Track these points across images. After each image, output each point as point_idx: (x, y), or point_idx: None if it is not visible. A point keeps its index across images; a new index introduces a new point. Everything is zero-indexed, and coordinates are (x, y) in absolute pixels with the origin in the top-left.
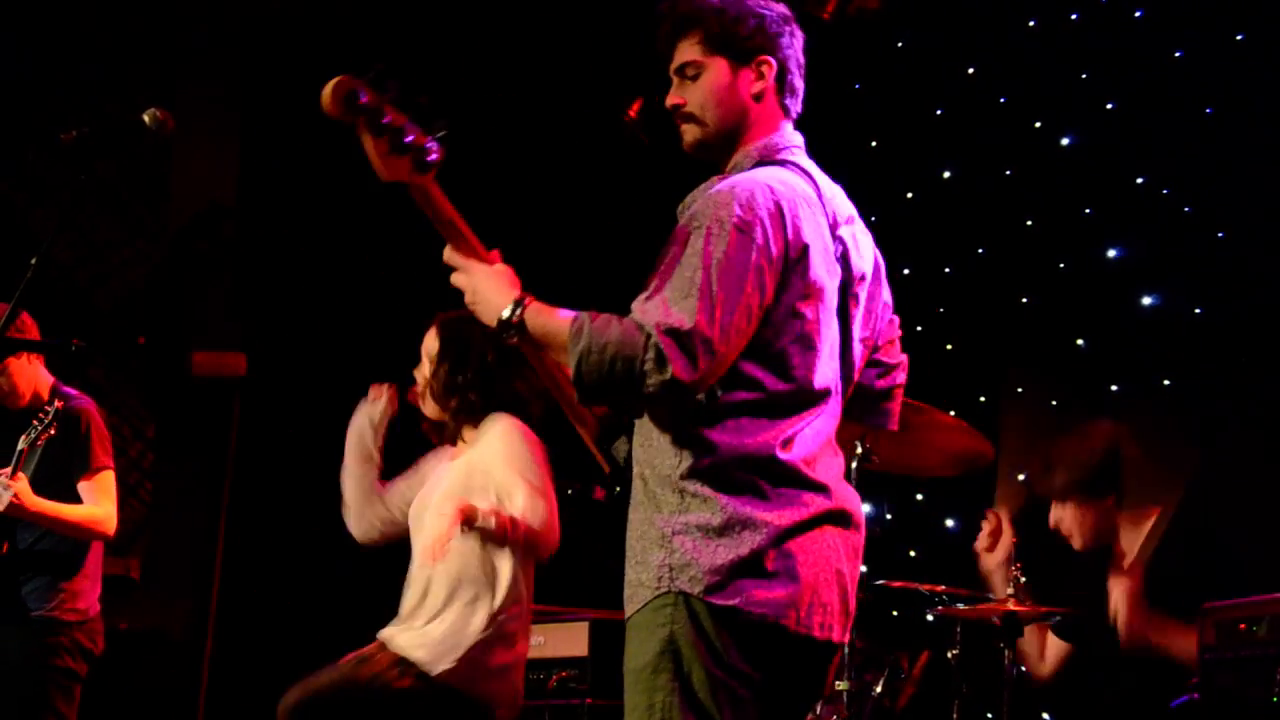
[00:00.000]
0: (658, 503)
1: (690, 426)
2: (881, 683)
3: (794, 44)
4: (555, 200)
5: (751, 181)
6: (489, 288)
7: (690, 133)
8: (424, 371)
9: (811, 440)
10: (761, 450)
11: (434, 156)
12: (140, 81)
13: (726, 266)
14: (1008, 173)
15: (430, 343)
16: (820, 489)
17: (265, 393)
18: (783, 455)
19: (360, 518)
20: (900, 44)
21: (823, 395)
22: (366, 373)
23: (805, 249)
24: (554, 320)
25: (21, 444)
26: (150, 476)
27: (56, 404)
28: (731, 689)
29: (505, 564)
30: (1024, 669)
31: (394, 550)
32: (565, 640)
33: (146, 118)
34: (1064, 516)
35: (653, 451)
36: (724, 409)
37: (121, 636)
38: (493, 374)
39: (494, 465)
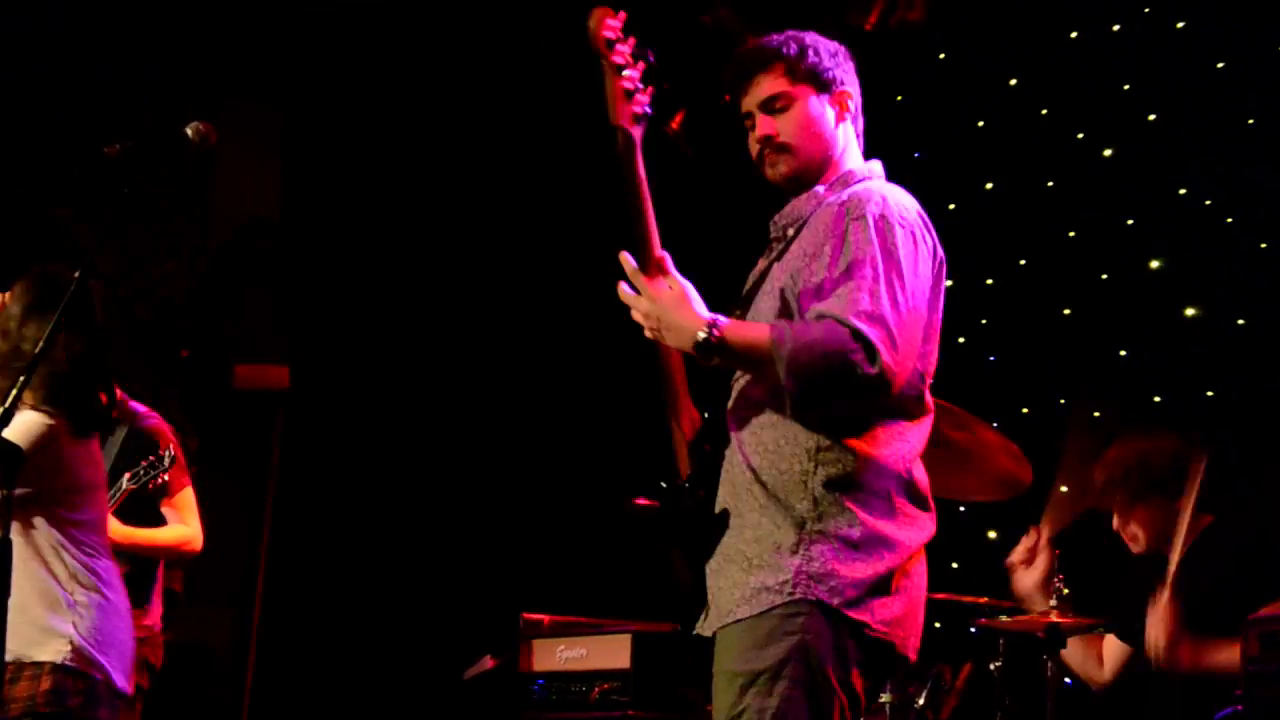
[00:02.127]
0: (785, 508)
1: (826, 431)
2: (924, 695)
3: (856, 75)
4: (596, 212)
5: (893, 189)
6: (680, 314)
7: (785, 163)
8: None
9: (921, 457)
10: (897, 465)
11: (648, 111)
12: (183, 95)
13: (900, 256)
14: (1050, 184)
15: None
16: (930, 510)
17: (308, 405)
18: (915, 474)
19: None
20: (942, 56)
21: (930, 409)
22: (409, 384)
23: (942, 262)
24: (754, 334)
25: (126, 483)
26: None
27: (168, 448)
28: (842, 702)
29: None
30: (1070, 679)
31: (438, 561)
32: (608, 652)
33: (189, 131)
34: (1130, 519)
35: (778, 455)
36: (862, 415)
37: (165, 649)
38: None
39: None
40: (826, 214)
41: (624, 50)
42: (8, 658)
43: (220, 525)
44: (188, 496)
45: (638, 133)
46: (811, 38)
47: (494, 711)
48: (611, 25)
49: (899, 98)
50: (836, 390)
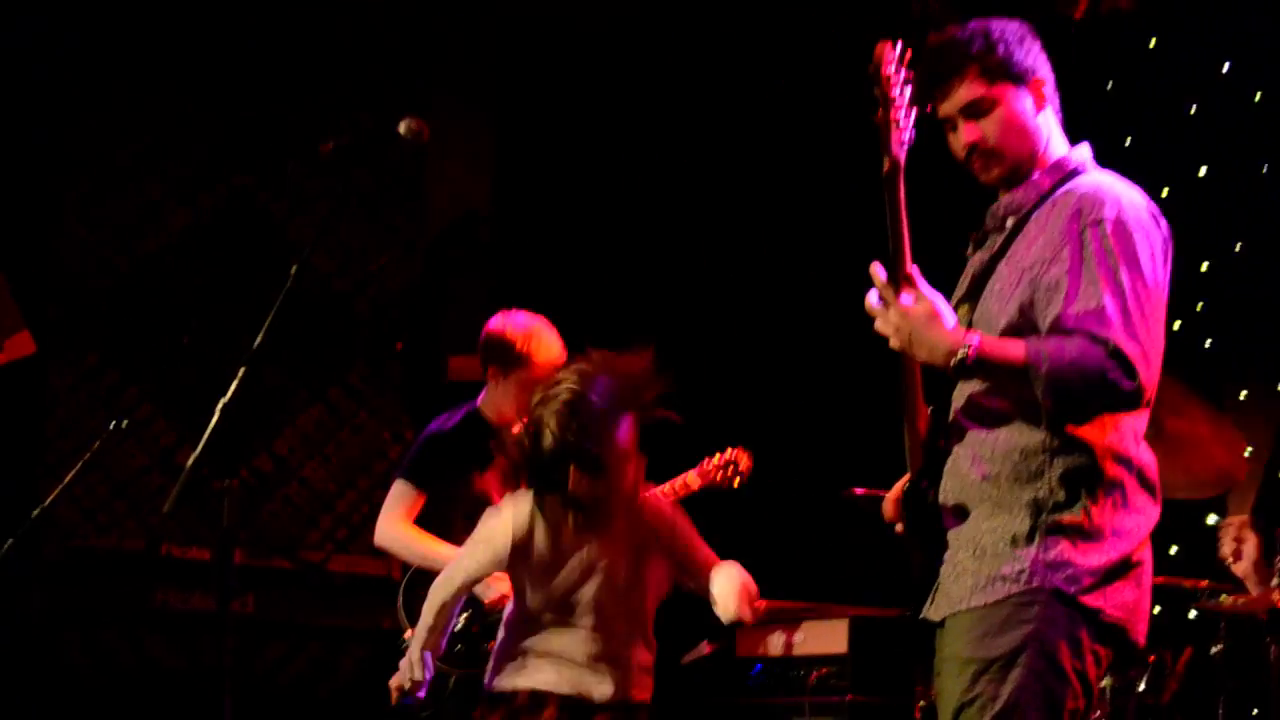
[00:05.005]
0: (1020, 501)
1: (1060, 426)
2: (1145, 680)
3: (1043, 52)
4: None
5: (1121, 186)
6: (932, 331)
7: (996, 167)
8: None
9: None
10: (1128, 452)
11: (911, 135)
12: (395, 91)
13: (1141, 262)
14: (1264, 169)
15: None
16: (1157, 496)
17: None
18: (1143, 459)
19: None
20: (1153, 42)
21: (1152, 394)
22: None
23: (1168, 241)
24: (1009, 352)
25: None
26: None
27: None
28: (1074, 690)
29: None
30: None
31: None
32: (825, 637)
33: (402, 127)
34: None
35: (1013, 450)
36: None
37: (383, 636)
38: None
39: None
40: (1057, 215)
41: (898, 81)
42: None
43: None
44: None
45: (902, 157)
46: (997, 27)
47: (712, 696)
48: (891, 59)
49: (1110, 85)
50: (1095, 406)
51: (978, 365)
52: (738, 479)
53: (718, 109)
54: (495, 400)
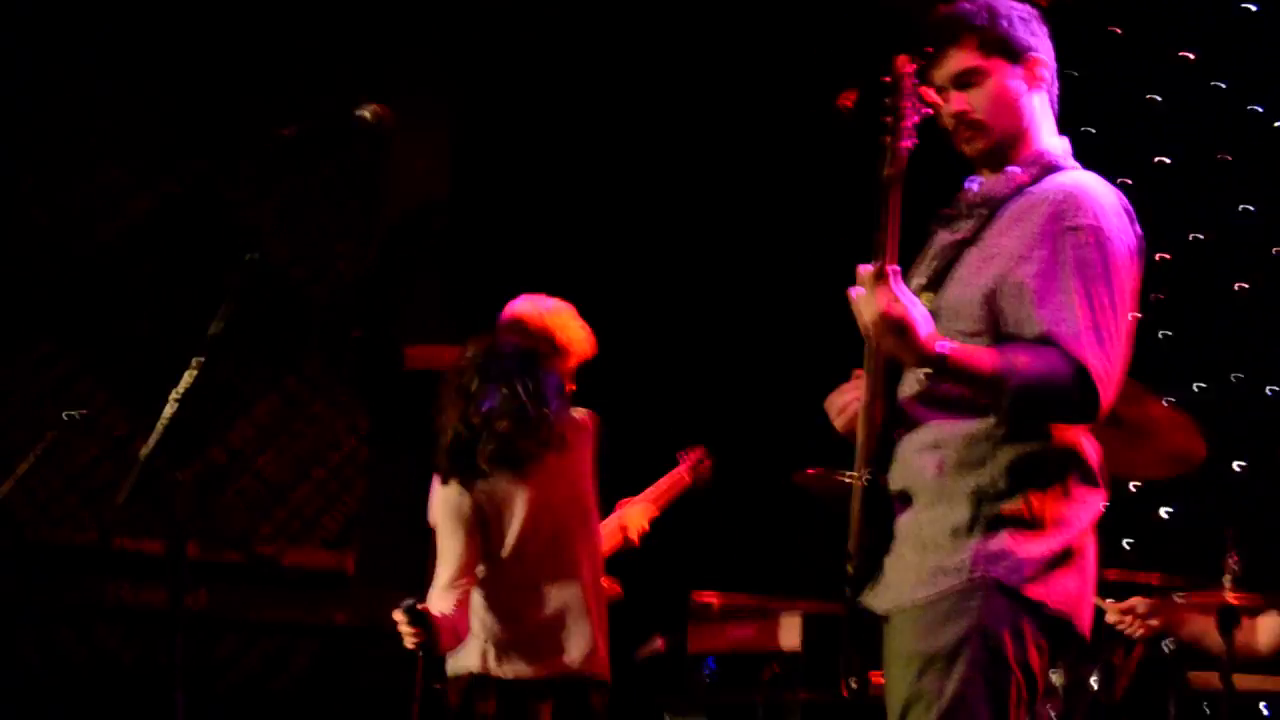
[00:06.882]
0: (962, 491)
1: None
2: (1096, 676)
3: (1049, 39)
4: (765, 194)
5: (1100, 189)
6: (905, 338)
7: (980, 140)
8: None
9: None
10: (1072, 444)
11: (911, 145)
12: (354, 77)
13: (1116, 278)
14: (1226, 158)
15: None
16: (1100, 486)
17: None
18: (1087, 451)
19: None
20: (1118, 30)
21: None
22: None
23: (1141, 240)
24: (978, 362)
25: None
26: (364, 470)
27: None
28: (1019, 681)
29: None
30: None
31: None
32: (779, 633)
33: (366, 113)
34: None
35: (956, 440)
36: None
37: (337, 631)
38: None
39: None
40: (1034, 211)
41: (912, 94)
42: None
43: (391, 505)
44: None
45: (903, 166)
46: (1004, 4)
47: (665, 692)
48: (910, 72)
49: (1074, 73)
50: (1055, 419)
51: (945, 372)
52: (706, 477)
53: (677, 98)
54: None
